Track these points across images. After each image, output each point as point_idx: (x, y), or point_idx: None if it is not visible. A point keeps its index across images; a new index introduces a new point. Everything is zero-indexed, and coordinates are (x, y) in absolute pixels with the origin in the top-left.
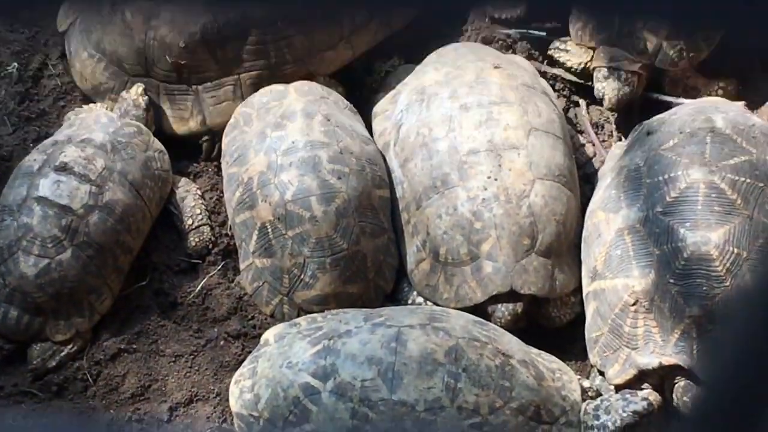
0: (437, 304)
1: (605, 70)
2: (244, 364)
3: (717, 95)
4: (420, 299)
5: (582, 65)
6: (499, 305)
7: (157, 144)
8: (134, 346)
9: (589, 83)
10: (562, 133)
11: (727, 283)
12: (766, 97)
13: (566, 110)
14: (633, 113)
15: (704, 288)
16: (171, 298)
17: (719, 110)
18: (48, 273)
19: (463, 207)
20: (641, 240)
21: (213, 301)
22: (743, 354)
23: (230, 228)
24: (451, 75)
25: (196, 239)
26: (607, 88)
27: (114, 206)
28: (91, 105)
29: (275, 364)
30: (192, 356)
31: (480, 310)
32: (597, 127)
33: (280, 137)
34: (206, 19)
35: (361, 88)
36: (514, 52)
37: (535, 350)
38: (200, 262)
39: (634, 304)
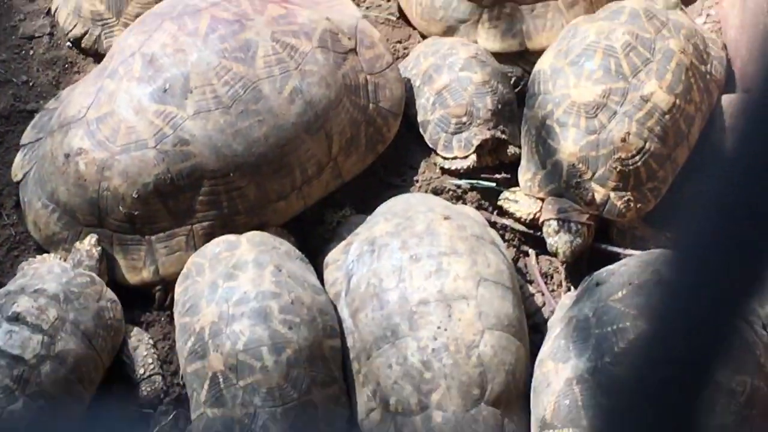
0: None
1: (555, 222)
2: None
3: (665, 246)
4: None
5: (531, 215)
6: None
7: (110, 294)
8: None
9: (539, 233)
10: (512, 284)
11: None
12: None
13: (516, 260)
14: (582, 263)
15: None
16: None
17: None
18: None
19: (413, 357)
20: (590, 390)
21: None
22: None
23: (182, 377)
24: (402, 226)
25: (148, 389)
26: (559, 242)
27: (66, 356)
28: (45, 255)
29: None
30: None
31: None
32: (546, 276)
33: (232, 288)
34: (159, 171)
35: (313, 237)
36: (464, 203)
37: None
38: (152, 411)
39: None
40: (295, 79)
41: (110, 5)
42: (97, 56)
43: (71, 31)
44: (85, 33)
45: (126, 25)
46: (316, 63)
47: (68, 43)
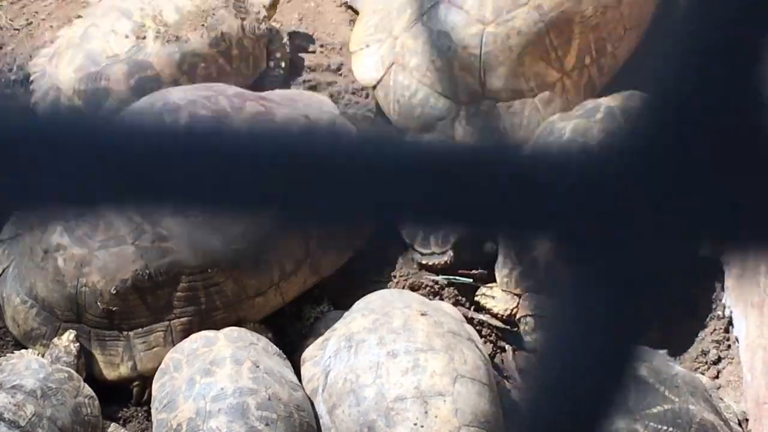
0: None
1: (532, 319)
2: None
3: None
4: None
5: (508, 311)
6: None
7: (88, 389)
8: None
9: (516, 329)
10: (489, 380)
11: None
12: (688, 345)
13: (493, 356)
14: None
15: None
16: None
17: (642, 359)
18: None
19: None
20: None
21: None
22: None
23: None
24: (379, 322)
25: None
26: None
27: None
28: (23, 351)
29: None
30: None
31: None
32: (524, 373)
33: (209, 384)
34: (137, 267)
35: (291, 333)
36: (441, 298)
37: None
38: None
39: None
40: None
41: (88, 103)
42: None
43: None
44: None
45: None
46: None
47: None
